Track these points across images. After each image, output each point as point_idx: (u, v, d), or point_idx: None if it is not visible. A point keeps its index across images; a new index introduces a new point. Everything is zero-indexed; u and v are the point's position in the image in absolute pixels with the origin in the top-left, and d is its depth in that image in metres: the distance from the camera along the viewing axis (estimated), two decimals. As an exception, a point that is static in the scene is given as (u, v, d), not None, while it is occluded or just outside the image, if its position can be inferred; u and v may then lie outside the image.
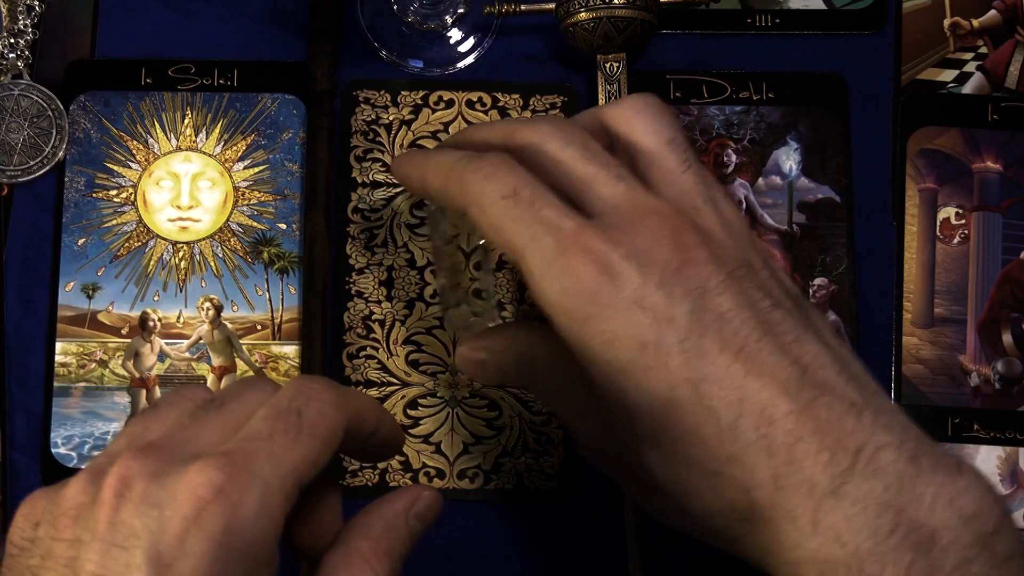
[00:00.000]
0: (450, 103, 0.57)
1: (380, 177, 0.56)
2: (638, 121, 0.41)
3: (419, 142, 0.56)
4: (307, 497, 0.37)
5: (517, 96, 0.57)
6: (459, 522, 0.54)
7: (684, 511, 0.38)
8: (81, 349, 0.55)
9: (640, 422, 0.37)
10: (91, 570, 0.33)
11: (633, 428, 0.38)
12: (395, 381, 0.55)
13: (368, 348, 0.55)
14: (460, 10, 0.57)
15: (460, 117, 0.57)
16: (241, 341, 0.55)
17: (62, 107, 0.57)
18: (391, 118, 0.57)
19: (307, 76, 0.56)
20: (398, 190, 0.56)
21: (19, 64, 0.57)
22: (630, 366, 0.37)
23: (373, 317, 0.55)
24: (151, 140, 0.57)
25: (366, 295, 0.55)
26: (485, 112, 0.57)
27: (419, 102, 0.57)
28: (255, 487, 0.34)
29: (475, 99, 0.57)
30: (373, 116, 0.57)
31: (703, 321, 0.37)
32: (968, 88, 0.58)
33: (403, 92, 0.57)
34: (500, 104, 0.57)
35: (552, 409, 0.47)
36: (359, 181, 0.56)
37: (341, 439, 0.37)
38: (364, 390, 0.54)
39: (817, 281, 0.56)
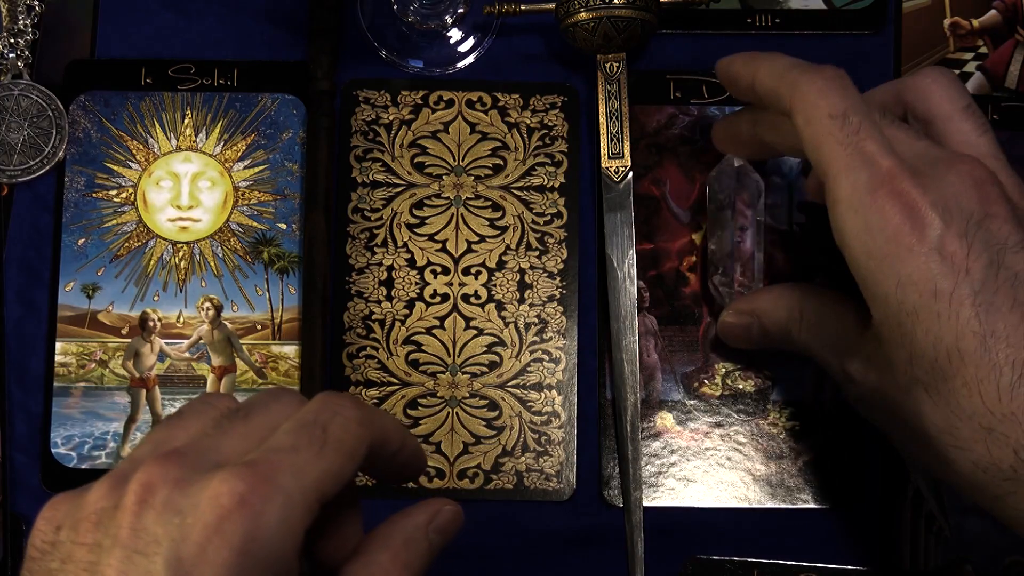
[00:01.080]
0: (450, 103, 0.57)
1: (380, 177, 0.56)
2: (934, 90, 0.44)
3: (419, 141, 0.56)
4: (328, 510, 0.36)
5: (517, 96, 0.57)
6: (459, 522, 0.54)
7: (949, 462, 0.39)
8: (81, 349, 0.55)
9: (921, 367, 0.39)
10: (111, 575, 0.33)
11: (913, 373, 0.39)
12: (395, 381, 0.55)
13: (368, 348, 0.55)
14: (460, 10, 0.57)
15: (460, 117, 0.57)
16: (241, 341, 0.55)
17: (62, 107, 0.57)
18: (391, 118, 0.57)
19: (307, 76, 0.56)
20: (398, 190, 0.56)
21: (19, 64, 0.57)
22: (920, 311, 0.38)
23: (373, 317, 0.55)
24: (151, 140, 0.57)
25: (366, 295, 0.55)
26: (485, 112, 0.57)
27: (419, 102, 0.57)
28: (278, 498, 0.34)
29: (475, 99, 0.57)
30: (373, 116, 0.57)
31: (999, 277, 0.38)
32: (968, 88, 0.58)
33: (403, 92, 0.57)
34: (500, 104, 0.57)
35: (820, 360, 0.48)
36: (359, 181, 0.56)
37: (364, 456, 0.37)
38: (364, 390, 0.54)
39: (817, 281, 0.56)
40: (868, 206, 0.39)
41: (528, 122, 0.57)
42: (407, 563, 0.39)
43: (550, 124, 0.57)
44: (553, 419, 0.54)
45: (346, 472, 0.37)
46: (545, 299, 0.55)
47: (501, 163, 0.56)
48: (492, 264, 0.55)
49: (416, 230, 0.56)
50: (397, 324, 0.55)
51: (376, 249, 0.56)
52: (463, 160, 0.56)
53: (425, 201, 0.56)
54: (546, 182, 0.56)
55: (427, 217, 0.56)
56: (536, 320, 0.55)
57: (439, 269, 0.55)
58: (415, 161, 0.56)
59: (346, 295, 0.55)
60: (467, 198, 0.56)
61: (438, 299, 0.55)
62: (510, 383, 0.55)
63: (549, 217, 0.56)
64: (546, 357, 0.55)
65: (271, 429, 0.37)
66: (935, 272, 0.38)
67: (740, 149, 0.53)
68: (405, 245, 0.56)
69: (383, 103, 0.57)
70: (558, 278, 0.55)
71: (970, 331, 0.38)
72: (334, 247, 0.55)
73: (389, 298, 0.55)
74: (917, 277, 0.39)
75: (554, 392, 0.54)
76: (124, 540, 0.33)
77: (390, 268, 0.55)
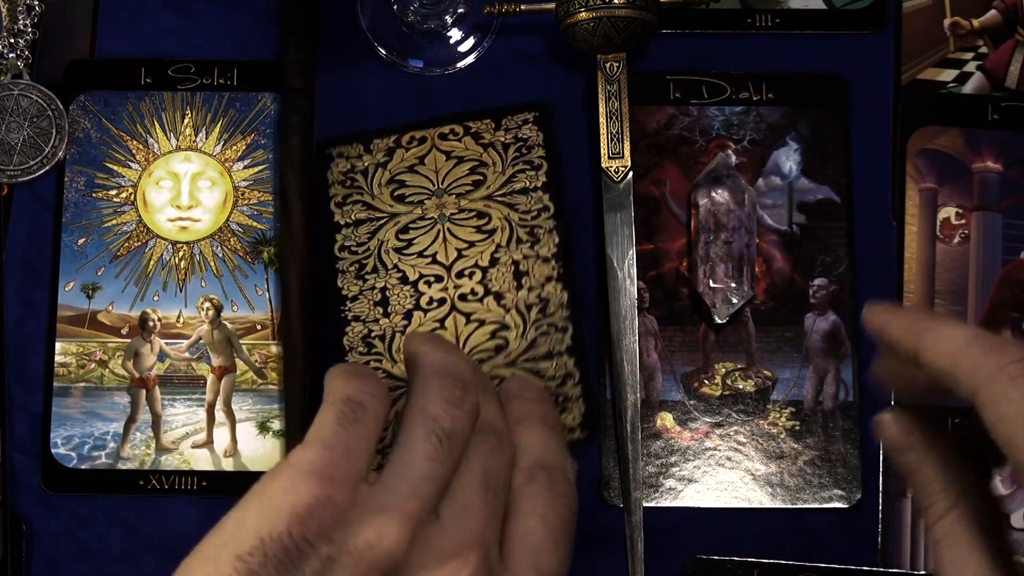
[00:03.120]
0: (423, 140, 0.57)
1: (362, 215, 0.56)
2: None
3: (397, 177, 0.56)
4: None
5: (489, 121, 0.57)
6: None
7: None
8: (81, 349, 0.55)
9: None
10: None
11: None
12: (403, 383, 0.55)
13: (371, 362, 0.55)
14: (460, 10, 0.57)
15: (435, 149, 0.56)
16: (241, 341, 0.55)
17: (62, 107, 0.57)
18: (366, 164, 0.56)
19: (279, 74, 0.56)
20: (382, 222, 0.56)
21: (19, 64, 0.57)
22: None
23: (372, 335, 0.55)
24: (151, 140, 0.57)
25: (363, 317, 0.55)
26: (459, 140, 0.57)
27: (391, 145, 0.57)
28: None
29: (447, 131, 0.57)
30: (348, 167, 0.56)
31: None
32: (968, 88, 0.58)
33: (375, 140, 0.57)
34: (473, 130, 0.57)
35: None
36: (342, 223, 0.56)
37: None
38: None
39: (817, 281, 0.56)
40: None
41: (503, 139, 0.57)
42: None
43: (524, 136, 0.57)
44: (568, 380, 0.54)
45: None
46: (543, 280, 0.55)
47: (481, 178, 0.56)
48: (485, 263, 0.55)
49: (404, 251, 0.56)
50: (397, 336, 0.55)
51: (367, 276, 0.55)
52: (442, 183, 0.56)
53: (410, 225, 0.56)
54: (529, 184, 0.56)
55: (414, 238, 0.56)
56: (537, 300, 0.55)
57: (432, 279, 0.55)
58: (395, 194, 0.56)
59: (343, 321, 0.55)
60: (451, 214, 0.56)
61: (435, 304, 0.55)
62: (520, 359, 0.54)
63: (536, 212, 0.56)
64: (552, 329, 0.54)
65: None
66: None
67: (909, 392, 0.43)
68: (396, 266, 0.55)
69: (356, 154, 0.56)
70: (552, 260, 0.55)
71: None
72: (325, 277, 0.55)
73: (386, 314, 0.55)
74: None
75: (565, 356, 0.54)
76: None
77: (383, 289, 0.55)
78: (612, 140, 0.56)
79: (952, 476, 0.37)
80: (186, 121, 0.57)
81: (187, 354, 0.55)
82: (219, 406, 0.55)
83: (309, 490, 0.36)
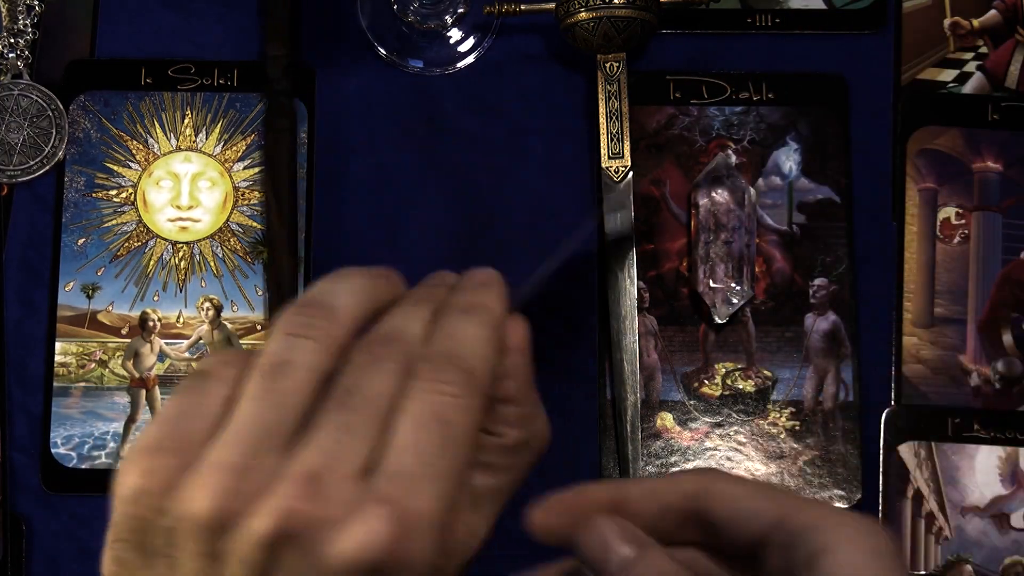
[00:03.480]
0: None
1: None
2: None
3: None
4: None
5: None
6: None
7: None
8: (81, 349, 0.55)
9: None
10: None
11: None
12: None
13: None
14: (460, 10, 0.57)
15: None
16: (241, 341, 0.55)
17: (62, 107, 0.57)
18: None
19: (265, 78, 0.55)
20: None
21: (19, 64, 0.57)
22: None
23: None
24: (151, 140, 0.57)
25: None
26: None
27: None
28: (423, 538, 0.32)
29: None
30: None
31: None
32: (968, 88, 0.58)
33: None
34: None
35: None
36: None
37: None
38: None
39: (817, 281, 0.56)
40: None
41: None
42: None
43: None
44: None
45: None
46: None
47: None
48: None
49: None
50: None
51: None
52: None
53: None
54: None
55: None
56: None
57: None
58: None
59: None
60: None
61: None
62: None
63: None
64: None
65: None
66: None
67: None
68: None
69: None
70: None
71: None
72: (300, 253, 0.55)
73: None
74: None
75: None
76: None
77: None
78: (612, 140, 0.56)
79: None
80: (186, 121, 0.57)
81: (187, 354, 0.55)
82: (219, 406, 0.55)
83: (134, 468, 0.33)
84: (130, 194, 0.57)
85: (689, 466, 0.54)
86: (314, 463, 0.32)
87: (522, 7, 0.56)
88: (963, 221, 0.57)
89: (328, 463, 0.32)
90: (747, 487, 0.34)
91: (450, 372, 0.34)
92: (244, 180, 0.57)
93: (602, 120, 0.56)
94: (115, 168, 0.57)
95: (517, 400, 0.37)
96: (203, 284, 0.56)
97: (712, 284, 0.55)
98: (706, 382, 0.55)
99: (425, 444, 0.33)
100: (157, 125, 0.57)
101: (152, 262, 0.56)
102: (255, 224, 0.56)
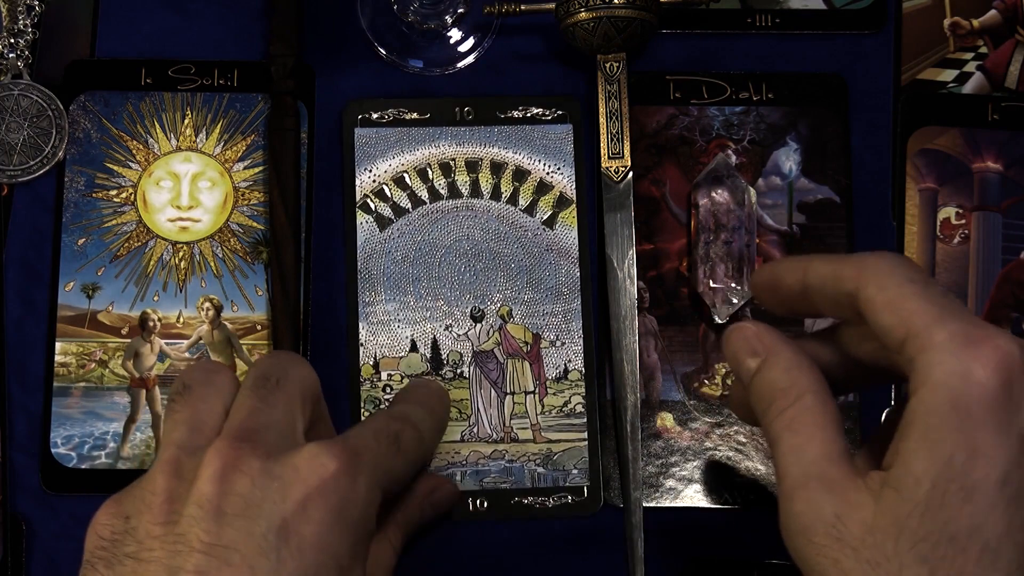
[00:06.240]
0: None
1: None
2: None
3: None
4: None
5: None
6: (459, 523, 0.54)
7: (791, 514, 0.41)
8: (81, 349, 0.55)
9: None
10: (206, 540, 0.37)
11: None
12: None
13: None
14: (460, 10, 0.57)
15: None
16: (241, 341, 0.55)
17: (62, 107, 0.57)
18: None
19: (268, 78, 0.56)
20: None
21: (19, 64, 0.57)
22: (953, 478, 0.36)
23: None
24: (151, 140, 0.57)
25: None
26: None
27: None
28: (366, 472, 0.40)
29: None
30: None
31: None
32: (968, 88, 0.58)
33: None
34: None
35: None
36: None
37: (417, 470, 0.47)
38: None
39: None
40: (970, 354, 0.37)
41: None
42: (402, 523, 0.48)
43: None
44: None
45: (406, 477, 0.45)
46: None
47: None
48: None
49: None
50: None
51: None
52: None
53: None
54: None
55: None
56: None
57: None
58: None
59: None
60: None
61: None
62: None
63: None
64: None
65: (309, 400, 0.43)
66: (1007, 451, 0.37)
67: (781, 304, 0.46)
68: None
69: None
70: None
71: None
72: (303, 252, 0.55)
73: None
74: (986, 450, 0.37)
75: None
76: (215, 507, 0.37)
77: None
78: (612, 140, 0.56)
79: (796, 375, 0.41)
80: (186, 121, 0.57)
81: (187, 354, 0.55)
82: (219, 406, 0.55)
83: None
84: (130, 194, 0.57)
85: (688, 466, 0.54)
86: (232, 427, 0.41)
87: (522, 7, 0.56)
88: (963, 221, 0.57)
89: (244, 430, 0.41)
90: (889, 297, 0.39)
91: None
92: (244, 180, 0.57)
93: (602, 120, 0.56)
94: (115, 168, 0.57)
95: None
96: (203, 284, 0.56)
97: (712, 284, 0.55)
98: (706, 382, 0.55)
99: None
100: (157, 125, 0.57)
101: (152, 262, 0.56)
102: (255, 224, 0.56)
